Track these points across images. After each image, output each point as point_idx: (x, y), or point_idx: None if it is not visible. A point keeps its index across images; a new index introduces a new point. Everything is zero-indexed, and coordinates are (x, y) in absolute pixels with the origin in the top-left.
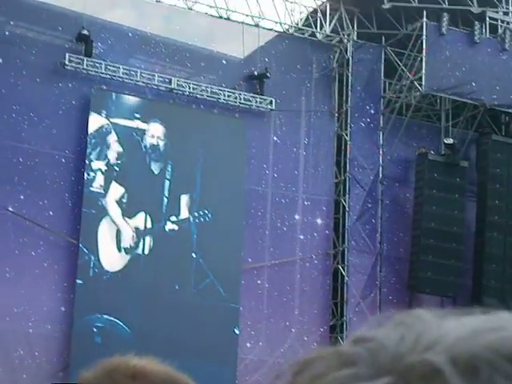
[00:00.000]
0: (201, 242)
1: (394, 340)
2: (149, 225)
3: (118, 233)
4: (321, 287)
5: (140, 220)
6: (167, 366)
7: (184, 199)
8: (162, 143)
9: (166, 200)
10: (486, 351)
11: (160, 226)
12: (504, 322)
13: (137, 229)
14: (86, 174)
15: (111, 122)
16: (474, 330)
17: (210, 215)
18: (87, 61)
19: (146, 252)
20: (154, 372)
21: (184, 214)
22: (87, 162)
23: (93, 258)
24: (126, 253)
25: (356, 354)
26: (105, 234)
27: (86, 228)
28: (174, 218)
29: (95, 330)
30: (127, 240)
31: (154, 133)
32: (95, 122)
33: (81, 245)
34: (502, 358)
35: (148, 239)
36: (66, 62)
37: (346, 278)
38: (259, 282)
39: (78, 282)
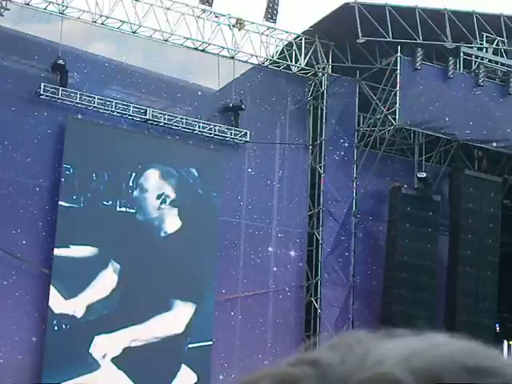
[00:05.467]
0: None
1: (338, 360)
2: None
3: None
4: (294, 319)
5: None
6: None
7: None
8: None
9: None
10: (446, 362)
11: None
12: (435, 340)
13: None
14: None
15: None
16: (416, 348)
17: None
18: (62, 90)
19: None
20: None
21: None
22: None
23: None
24: None
25: (303, 374)
26: None
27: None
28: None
29: None
30: None
31: None
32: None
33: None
34: (460, 368)
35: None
36: (41, 92)
37: (319, 310)
38: (232, 313)
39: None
